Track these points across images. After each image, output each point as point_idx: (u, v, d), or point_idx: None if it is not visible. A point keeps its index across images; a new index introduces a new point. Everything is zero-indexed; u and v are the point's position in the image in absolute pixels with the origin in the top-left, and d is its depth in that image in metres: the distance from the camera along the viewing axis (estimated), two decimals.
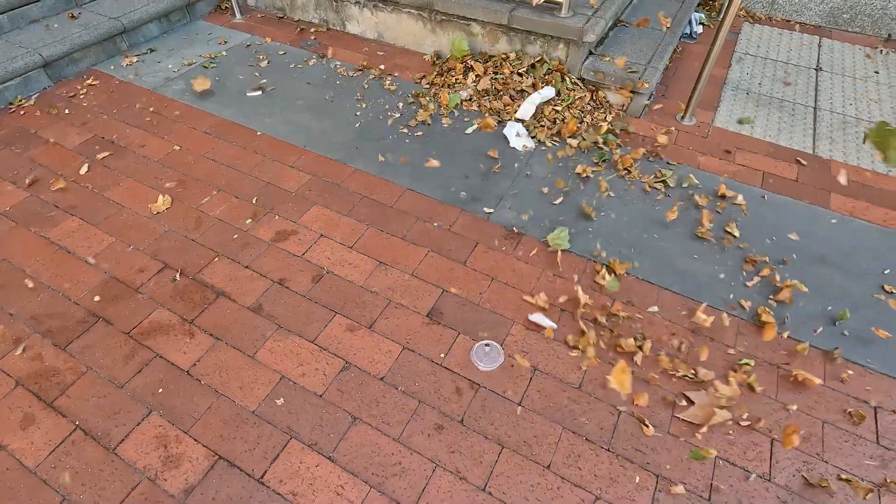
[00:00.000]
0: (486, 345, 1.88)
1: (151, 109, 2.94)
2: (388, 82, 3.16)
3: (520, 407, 1.71)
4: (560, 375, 1.80)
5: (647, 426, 1.66)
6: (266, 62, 3.34)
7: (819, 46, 3.68)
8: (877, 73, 3.41)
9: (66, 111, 2.91)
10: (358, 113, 2.94)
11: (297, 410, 1.68)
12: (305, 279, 2.08)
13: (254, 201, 2.41)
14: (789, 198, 2.48)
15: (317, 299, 2.01)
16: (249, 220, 2.31)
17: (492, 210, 2.38)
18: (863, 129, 2.96)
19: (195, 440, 1.61)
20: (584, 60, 2.97)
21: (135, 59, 3.33)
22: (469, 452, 1.61)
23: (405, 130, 2.82)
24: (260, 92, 3.09)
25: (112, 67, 3.27)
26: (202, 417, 1.66)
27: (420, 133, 2.81)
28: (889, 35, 3.73)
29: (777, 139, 2.86)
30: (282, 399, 1.71)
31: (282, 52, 3.44)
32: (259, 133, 2.80)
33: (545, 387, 1.76)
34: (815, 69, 3.44)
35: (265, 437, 1.62)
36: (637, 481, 1.55)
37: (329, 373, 1.78)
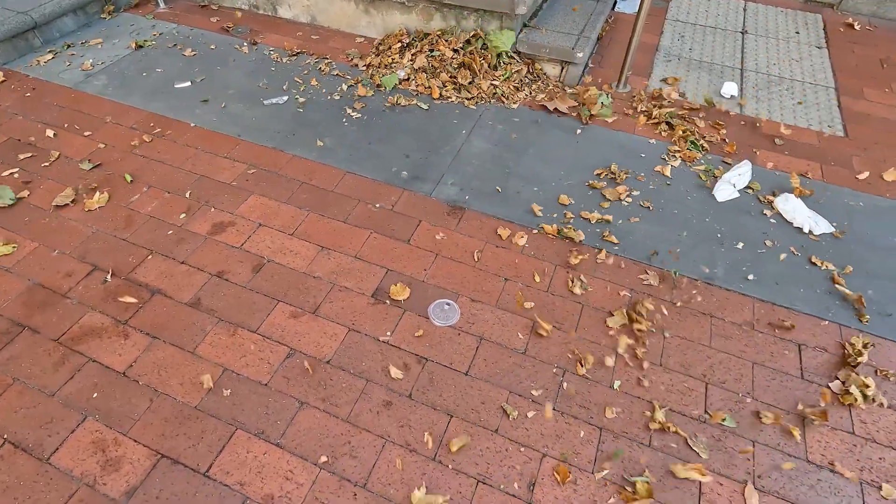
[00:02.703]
0: (447, 304, 1.91)
1: (72, 107, 2.78)
2: (323, 66, 3.09)
3: (465, 376, 1.73)
4: (505, 342, 1.83)
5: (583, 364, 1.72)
6: (194, 52, 3.20)
7: (744, 10, 3.81)
8: (797, 33, 3.56)
9: None
10: (294, 99, 2.86)
11: (241, 401, 1.65)
12: (245, 270, 2.03)
13: (187, 195, 2.32)
14: (716, 155, 2.58)
15: (258, 289, 1.96)
16: (184, 215, 2.23)
17: (434, 187, 2.38)
18: (786, 88, 3.10)
19: (135, 441, 1.56)
20: (519, 33, 2.98)
21: (50, 56, 3.13)
22: (419, 425, 1.62)
23: (343, 114, 2.77)
24: (189, 83, 2.96)
25: (26, 66, 3.06)
26: (142, 418, 1.61)
27: (359, 115, 2.77)
28: None
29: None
30: (227, 391, 1.67)
31: (210, 41, 3.30)
32: (191, 125, 2.69)
33: (491, 354, 1.79)
34: (741, 32, 3.56)
35: (209, 431, 1.59)
36: (581, 436, 1.61)
37: (273, 361, 1.75)
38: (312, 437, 1.58)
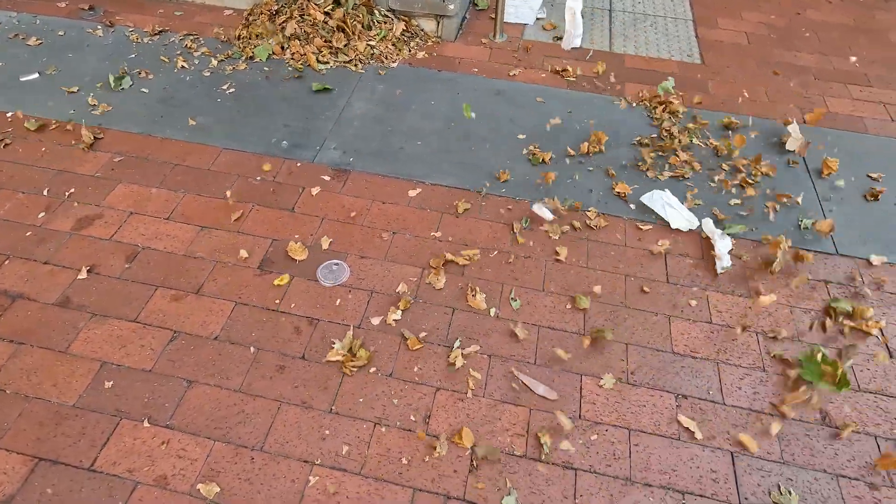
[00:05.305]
0: (336, 264, 1.91)
1: None
2: (190, 43, 2.91)
3: (359, 329, 1.76)
4: (395, 292, 1.86)
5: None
6: (40, 40, 2.90)
7: None
8: None
9: None
10: (159, 79, 2.69)
11: (124, 391, 1.59)
12: (118, 261, 1.92)
13: (45, 193, 2.14)
14: (591, 93, 2.72)
15: (133, 278, 1.87)
16: (43, 214, 2.06)
17: (316, 153, 2.34)
18: (650, 24, 3.28)
19: (7, 451, 1.46)
20: None
21: None
22: (313, 382, 1.63)
23: (216, 90, 2.64)
24: (37, 75, 2.70)
25: None
26: (12, 427, 1.51)
27: (233, 90, 2.65)
28: None
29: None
30: (109, 383, 1.60)
31: (58, 27, 3.00)
32: (43, 119, 2.46)
33: (382, 305, 1.83)
34: None
35: (91, 426, 1.52)
36: (470, 373, 1.68)
37: (156, 346, 1.69)
38: (204, 413, 1.55)
